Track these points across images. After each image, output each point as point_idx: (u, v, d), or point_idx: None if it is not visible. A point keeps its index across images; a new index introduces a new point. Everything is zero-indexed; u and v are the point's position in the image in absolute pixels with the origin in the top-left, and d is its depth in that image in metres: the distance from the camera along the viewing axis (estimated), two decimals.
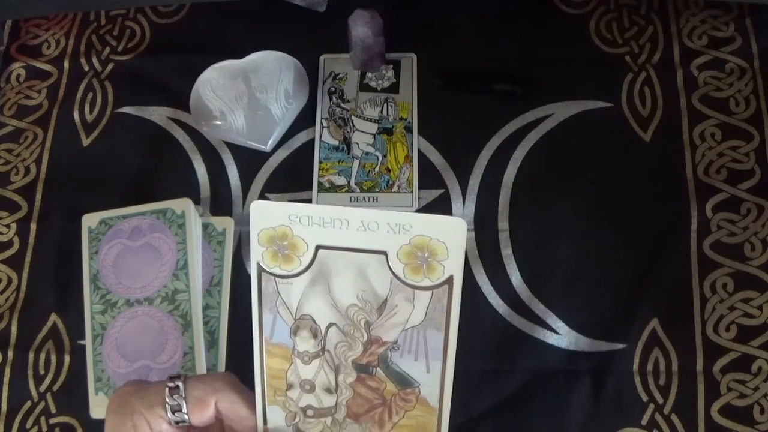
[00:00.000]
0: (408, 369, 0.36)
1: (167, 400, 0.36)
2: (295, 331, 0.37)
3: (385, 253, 0.34)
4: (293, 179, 0.72)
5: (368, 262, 0.34)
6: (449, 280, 0.34)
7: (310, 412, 0.38)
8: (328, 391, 0.38)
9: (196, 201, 0.70)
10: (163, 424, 0.36)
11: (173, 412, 0.36)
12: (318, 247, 0.34)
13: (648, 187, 0.69)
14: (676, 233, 0.67)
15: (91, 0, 0.78)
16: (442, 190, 0.70)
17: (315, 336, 0.36)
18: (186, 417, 0.37)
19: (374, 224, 0.33)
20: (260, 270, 0.36)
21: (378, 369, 0.37)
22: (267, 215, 0.34)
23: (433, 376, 0.36)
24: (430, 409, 0.37)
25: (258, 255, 0.35)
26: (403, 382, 0.37)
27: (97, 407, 0.65)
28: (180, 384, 0.37)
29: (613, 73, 0.73)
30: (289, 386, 0.38)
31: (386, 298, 0.35)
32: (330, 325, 0.36)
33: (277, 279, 0.36)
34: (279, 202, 0.35)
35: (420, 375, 0.36)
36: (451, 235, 0.33)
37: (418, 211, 0.69)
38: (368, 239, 0.34)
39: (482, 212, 0.69)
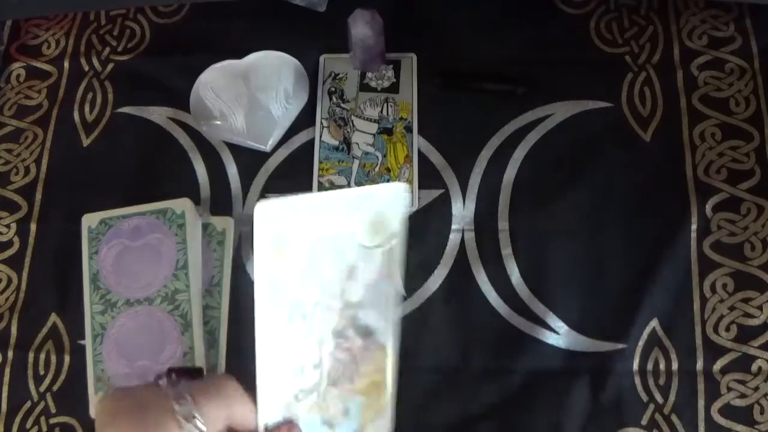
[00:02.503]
0: (371, 322, 0.42)
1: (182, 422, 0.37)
2: (290, 318, 0.39)
3: (352, 227, 0.40)
4: (293, 179, 0.72)
5: (341, 236, 0.40)
6: (395, 236, 0.40)
7: (300, 396, 0.41)
8: (315, 366, 0.41)
9: (196, 201, 0.70)
10: None
11: None
12: (307, 236, 0.39)
13: (648, 187, 0.69)
14: (676, 233, 0.67)
15: (91, 0, 0.78)
16: (442, 190, 0.70)
17: (305, 318, 0.40)
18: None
19: (341, 204, 0.40)
20: (261, 266, 0.38)
21: (351, 330, 0.41)
22: (267, 214, 0.37)
23: (387, 323, 0.42)
24: (383, 349, 0.42)
25: (260, 252, 0.38)
26: (367, 333, 0.42)
27: None
28: (190, 404, 0.37)
29: (613, 73, 0.73)
30: (286, 374, 0.40)
31: (354, 264, 0.40)
32: (316, 304, 0.40)
33: (275, 272, 0.38)
34: (276, 200, 0.38)
35: (378, 323, 0.42)
36: (395, 199, 0.40)
37: (418, 210, 0.69)
38: (339, 219, 0.40)
39: (482, 212, 0.69)
